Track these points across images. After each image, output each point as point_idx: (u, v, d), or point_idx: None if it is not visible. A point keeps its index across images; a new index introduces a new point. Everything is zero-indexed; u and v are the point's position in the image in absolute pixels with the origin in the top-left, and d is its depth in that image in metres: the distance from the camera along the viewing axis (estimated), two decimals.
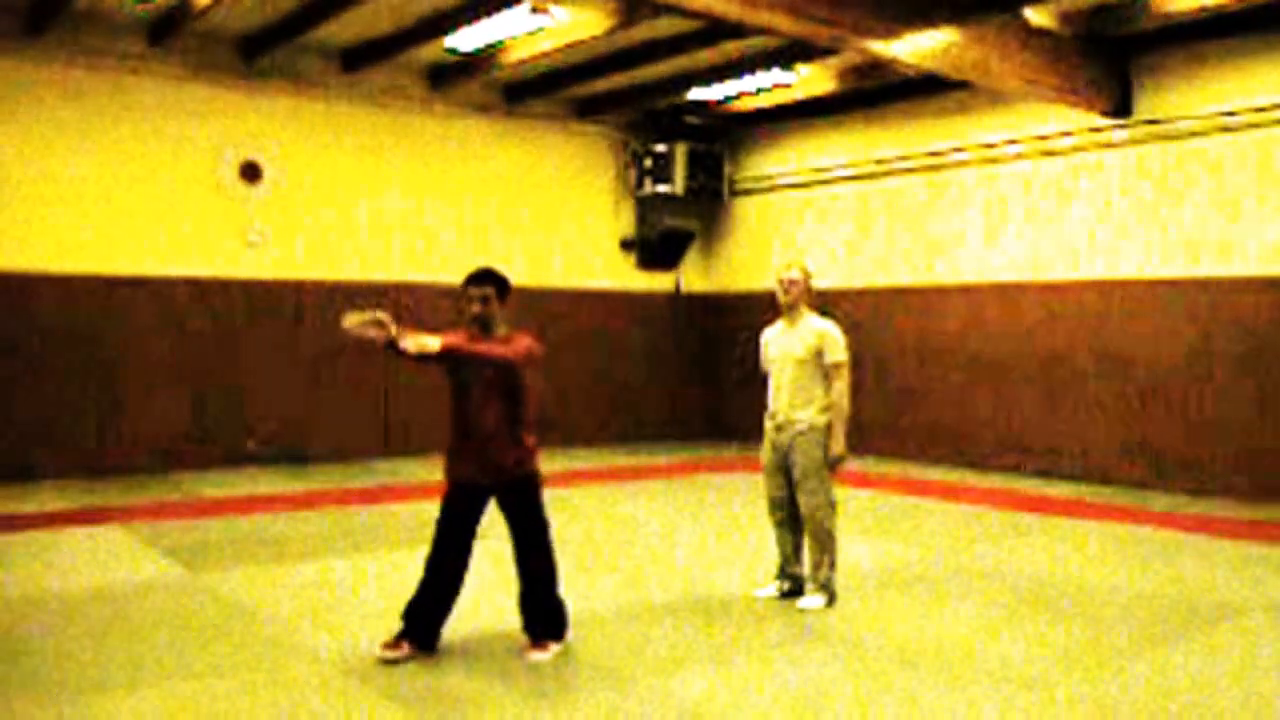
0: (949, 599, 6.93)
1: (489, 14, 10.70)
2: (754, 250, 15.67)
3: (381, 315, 5.33)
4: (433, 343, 5.35)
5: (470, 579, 6.32)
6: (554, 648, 5.72)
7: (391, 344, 5.33)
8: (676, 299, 16.05)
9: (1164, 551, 8.38)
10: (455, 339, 5.54)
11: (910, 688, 5.21)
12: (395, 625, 5.77)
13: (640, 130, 15.29)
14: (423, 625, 5.64)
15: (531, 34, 11.29)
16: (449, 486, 5.74)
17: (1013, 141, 12.53)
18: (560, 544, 8.00)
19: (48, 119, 11.34)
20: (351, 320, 5.33)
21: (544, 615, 5.79)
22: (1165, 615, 6.55)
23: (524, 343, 5.63)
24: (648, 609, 6.61)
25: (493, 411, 5.64)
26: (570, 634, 5.89)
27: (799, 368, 6.69)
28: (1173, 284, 11.24)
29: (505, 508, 5.80)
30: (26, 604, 6.59)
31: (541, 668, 5.51)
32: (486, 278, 5.69)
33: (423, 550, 5.79)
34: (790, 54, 12.04)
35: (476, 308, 5.65)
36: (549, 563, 5.83)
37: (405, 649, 5.54)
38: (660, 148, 14.98)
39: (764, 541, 7.43)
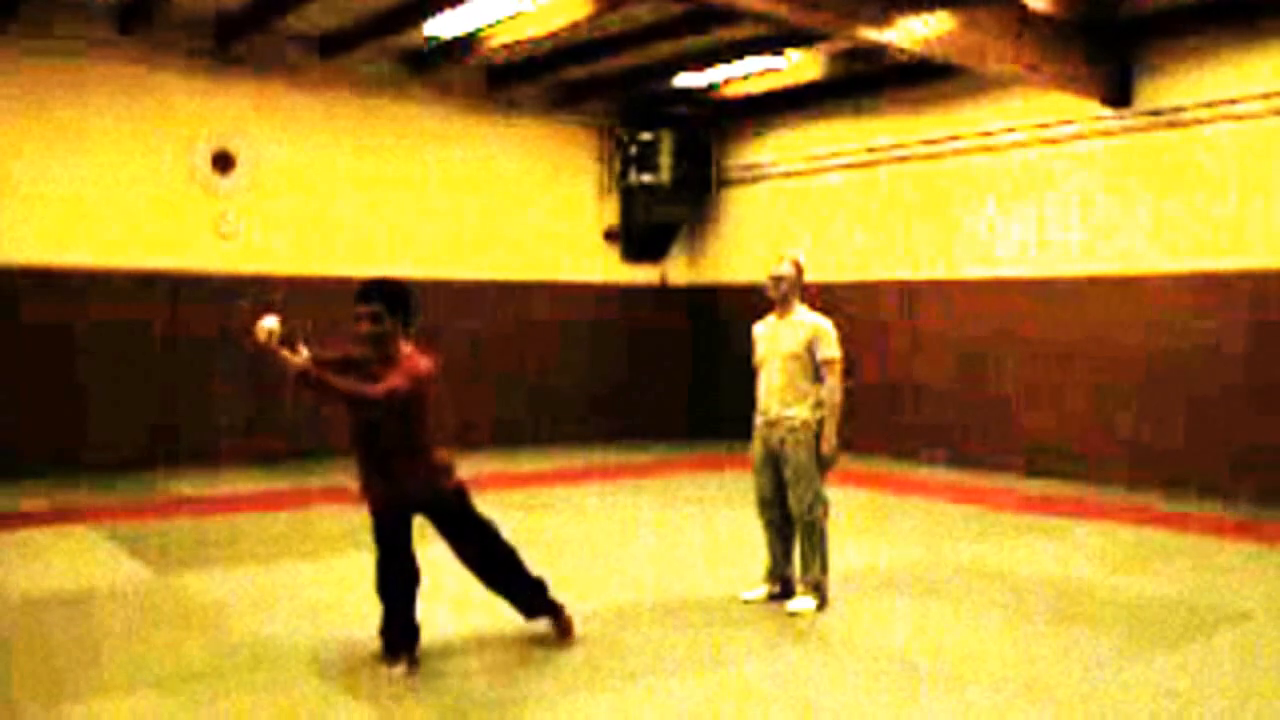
0: (945, 601, 6.96)
1: None
2: (742, 242, 15.68)
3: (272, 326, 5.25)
4: (297, 360, 5.20)
5: (456, 582, 6.35)
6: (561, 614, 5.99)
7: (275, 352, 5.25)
8: (663, 292, 16.06)
9: (1165, 552, 8.44)
10: (328, 357, 5.46)
11: (906, 691, 5.24)
12: (370, 626, 5.78)
13: (625, 118, 15.29)
14: (404, 637, 5.60)
15: (512, 18, 11.28)
16: (374, 514, 5.67)
17: (1010, 130, 12.57)
18: (541, 545, 8.05)
19: (14, 108, 11.29)
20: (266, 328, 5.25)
21: (525, 590, 5.93)
22: (1165, 617, 6.59)
23: (412, 368, 5.38)
24: (633, 611, 6.63)
25: (386, 434, 5.47)
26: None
27: (790, 363, 6.70)
28: (1174, 278, 11.28)
29: (438, 524, 5.76)
30: None
31: (526, 669, 5.52)
32: (374, 293, 5.41)
33: None
34: (780, 39, 12.06)
35: (365, 326, 5.39)
36: (505, 556, 5.85)
37: (404, 665, 5.48)
38: (646, 136, 14.98)
39: (754, 542, 7.45)
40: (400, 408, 5.35)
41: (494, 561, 5.86)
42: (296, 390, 5.38)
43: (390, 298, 5.42)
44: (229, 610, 6.56)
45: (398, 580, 5.60)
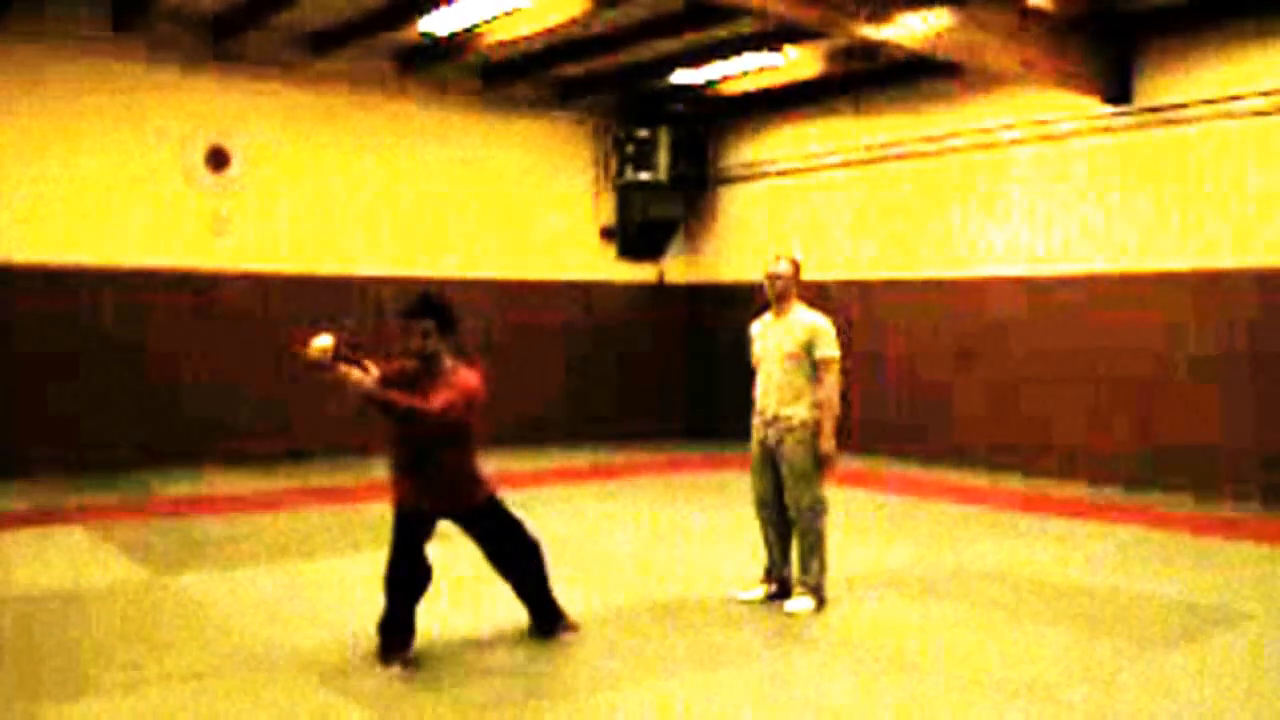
0: (945, 601, 6.99)
1: None
2: (740, 240, 15.71)
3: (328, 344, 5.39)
4: (367, 380, 5.39)
5: (456, 583, 6.39)
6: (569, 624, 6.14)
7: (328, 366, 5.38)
8: (660, 290, 16.09)
9: (1165, 553, 8.47)
10: (390, 371, 5.59)
11: (906, 691, 5.27)
12: (369, 626, 5.81)
13: (622, 115, 15.31)
14: (401, 637, 5.64)
15: (509, 15, 11.29)
16: (399, 510, 5.76)
17: (1009, 127, 12.60)
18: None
19: (7, 105, 11.29)
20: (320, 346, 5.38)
21: (548, 600, 6.09)
22: (1166, 618, 6.63)
23: (464, 384, 5.58)
24: (632, 611, 6.66)
25: (431, 444, 5.65)
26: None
27: (788, 362, 6.72)
28: (1175, 277, 11.31)
29: (468, 531, 5.95)
30: None
31: (525, 670, 5.57)
32: (426, 310, 5.59)
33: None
34: (778, 36, 12.09)
35: (417, 343, 5.57)
36: (535, 564, 6.03)
37: (400, 665, 5.52)
38: (643, 133, 15.00)
39: (752, 542, 7.48)
40: (450, 422, 5.52)
41: (525, 567, 6.02)
42: (356, 404, 5.53)
43: (440, 314, 5.61)
44: (227, 611, 6.58)
45: (406, 579, 5.65)
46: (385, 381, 5.52)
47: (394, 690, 5.23)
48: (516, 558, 5.99)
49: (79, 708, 4.97)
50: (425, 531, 5.76)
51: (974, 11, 10.08)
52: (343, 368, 5.43)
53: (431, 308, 5.61)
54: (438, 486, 5.70)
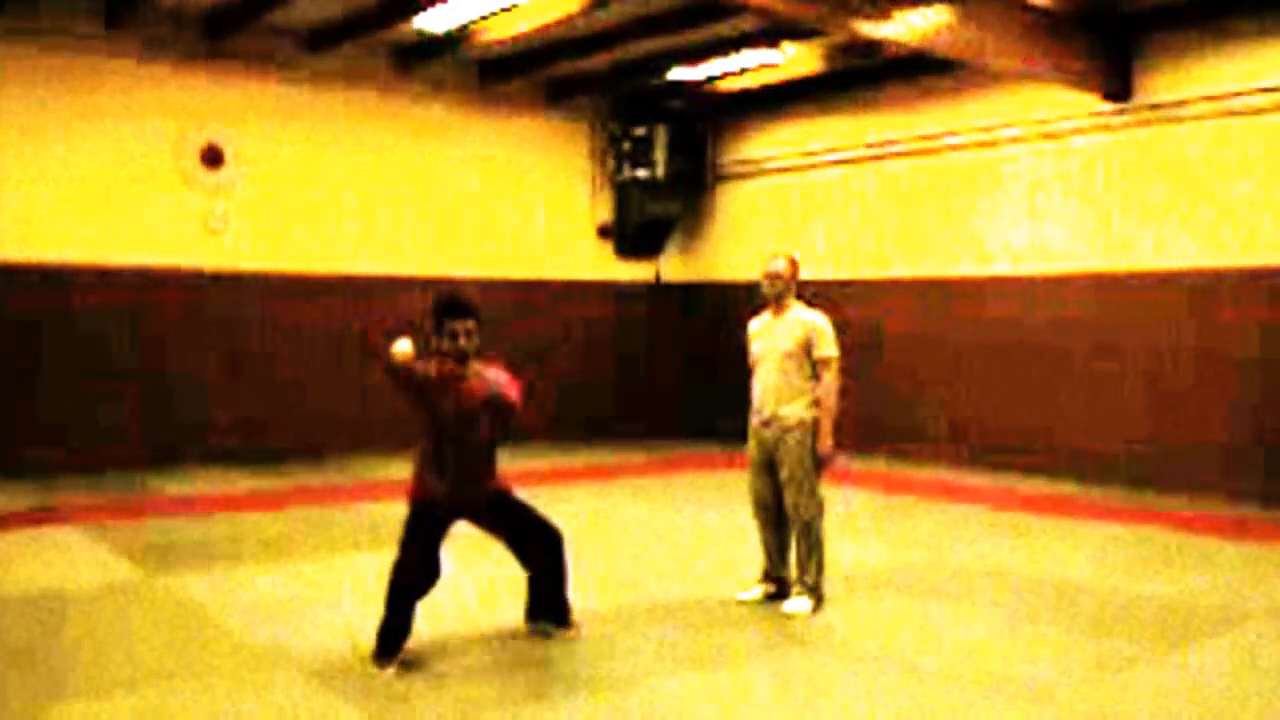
0: (944, 602, 7.03)
1: None
2: (738, 238, 15.75)
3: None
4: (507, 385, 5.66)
5: (454, 582, 6.42)
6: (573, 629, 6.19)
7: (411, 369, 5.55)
8: (657, 289, 16.12)
9: (1165, 553, 8.52)
10: (444, 373, 5.68)
11: (906, 691, 5.31)
12: (363, 629, 5.84)
13: (619, 113, 15.33)
14: (397, 637, 5.67)
15: (505, 12, 11.32)
16: (423, 505, 5.80)
17: (1009, 124, 12.64)
18: None
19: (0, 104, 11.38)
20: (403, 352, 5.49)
21: (563, 592, 6.14)
22: (1167, 618, 6.67)
23: (510, 381, 5.76)
24: (631, 612, 6.69)
25: (483, 444, 5.82)
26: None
27: (786, 361, 6.76)
28: (1176, 276, 11.35)
29: (490, 520, 6.01)
30: None
31: (525, 670, 5.60)
32: (470, 310, 5.72)
33: (388, 552, 5.83)
34: (777, 33, 12.13)
35: (462, 342, 5.66)
36: (559, 548, 6.09)
37: (395, 666, 5.54)
38: (640, 131, 15.03)
39: (750, 542, 7.52)
40: (504, 420, 5.79)
41: (548, 557, 6.08)
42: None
43: (478, 313, 5.74)
44: (227, 611, 6.61)
45: (414, 578, 5.68)
46: (427, 379, 5.68)
47: (393, 690, 5.27)
48: (539, 546, 6.04)
49: (78, 707, 5.00)
50: (443, 529, 5.81)
51: (973, 8, 10.12)
52: (456, 367, 5.63)
53: (472, 307, 5.74)
54: (474, 482, 5.82)
